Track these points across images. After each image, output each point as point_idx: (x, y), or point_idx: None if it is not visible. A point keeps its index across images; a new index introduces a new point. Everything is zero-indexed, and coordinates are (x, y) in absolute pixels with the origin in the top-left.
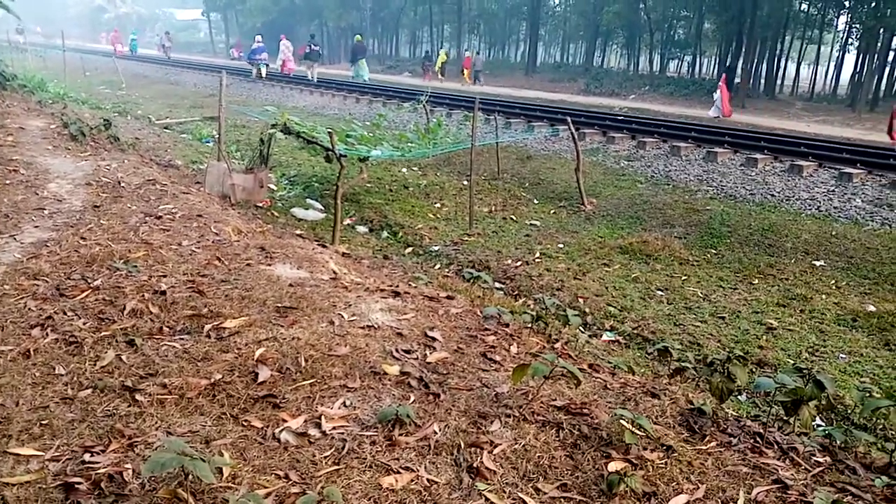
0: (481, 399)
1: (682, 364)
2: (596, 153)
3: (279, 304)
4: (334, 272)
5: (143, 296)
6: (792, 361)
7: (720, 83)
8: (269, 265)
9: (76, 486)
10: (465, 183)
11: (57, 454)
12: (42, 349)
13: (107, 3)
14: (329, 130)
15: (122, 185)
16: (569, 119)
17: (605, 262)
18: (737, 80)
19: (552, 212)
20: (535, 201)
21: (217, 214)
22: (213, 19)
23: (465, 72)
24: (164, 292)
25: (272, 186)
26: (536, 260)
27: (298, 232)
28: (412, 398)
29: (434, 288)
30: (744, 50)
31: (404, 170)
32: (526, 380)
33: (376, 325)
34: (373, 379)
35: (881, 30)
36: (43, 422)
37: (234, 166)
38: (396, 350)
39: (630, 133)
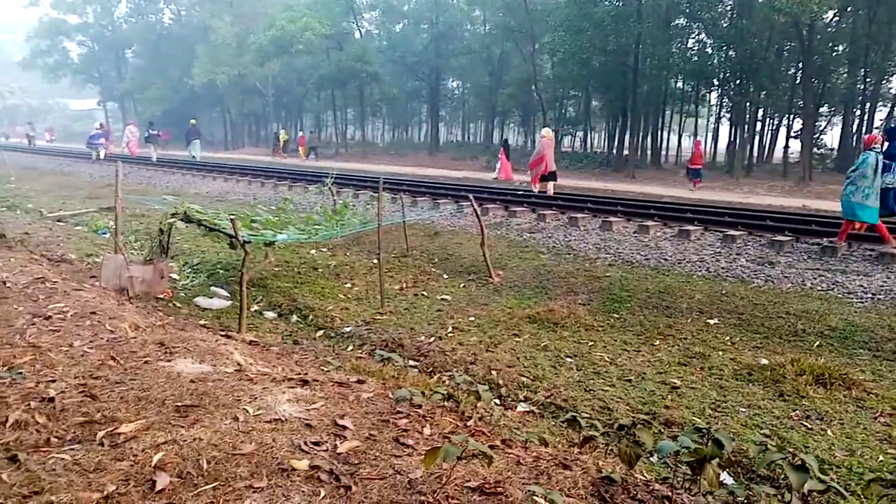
0: (394, 487)
1: (591, 433)
2: (500, 227)
3: (179, 403)
4: (239, 364)
5: (28, 405)
6: (697, 419)
7: (500, 153)
8: (169, 361)
9: None
10: (375, 261)
11: None
12: None
13: None
14: (232, 217)
15: (8, 285)
16: (471, 196)
17: (515, 332)
18: (625, 152)
19: (462, 286)
20: (445, 276)
21: (113, 310)
22: (111, 108)
23: (301, 149)
24: (52, 399)
25: (174, 276)
26: (449, 335)
27: (203, 322)
28: (322, 493)
29: (345, 372)
30: (629, 124)
31: (313, 251)
32: (439, 462)
33: (284, 418)
34: (281, 476)
35: (747, 104)
36: None
37: (132, 257)
38: (305, 443)
39: (530, 206)
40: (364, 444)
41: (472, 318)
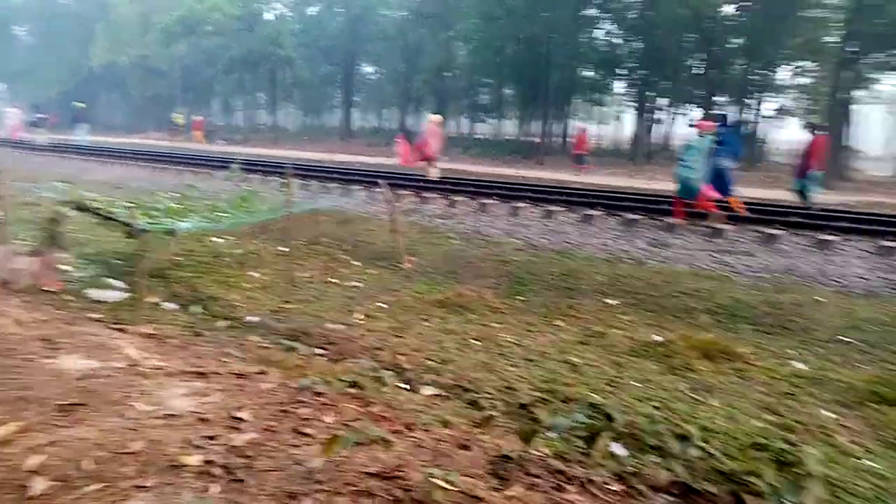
0: (291, 478)
1: (491, 412)
2: (412, 213)
3: (63, 402)
4: (132, 358)
5: None
6: (594, 394)
7: (397, 139)
8: (54, 358)
9: None
10: (284, 249)
11: None
12: None
13: None
14: (129, 205)
15: None
16: (383, 182)
17: (424, 317)
18: (536, 139)
19: (373, 272)
20: (356, 263)
21: None
22: (0, 90)
23: (197, 132)
24: None
25: (67, 268)
26: (359, 321)
27: (95, 316)
28: (215, 488)
29: (247, 363)
30: (540, 112)
31: (219, 240)
32: (340, 450)
33: (177, 413)
34: (170, 474)
35: (652, 93)
36: None
37: (18, 248)
38: (199, 438)
39: (442, 192)
40: (262, 436)
41: (381, 305)
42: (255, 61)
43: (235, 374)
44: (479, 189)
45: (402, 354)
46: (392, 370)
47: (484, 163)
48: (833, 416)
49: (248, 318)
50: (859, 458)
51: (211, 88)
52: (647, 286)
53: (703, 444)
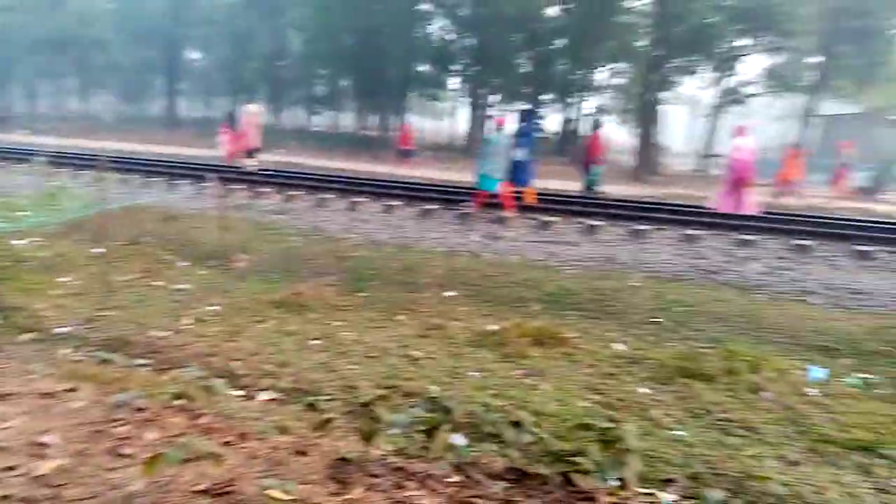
0: None
1: (330, 414)
2: (245, 209)
3: None
4: None
5: None
6: (434, 387)
7: (222, 129)
8: None
9: None
10: (100, 250)
11: None
12: None
13: None
14: None
15: None
16: (212, 175)
17: (260, 318)
18: (374, 133)
19: (203, 273)
20: (184, 263)
21: None
22: None
23: None
24: None
25: None
26: (188, 326)
27: None
28: None
29: (54, 381)
30: (378, 106)
31: (20, 242)
32: (163, 469)
33: None
34: None
35: (485, 89)
36: None
37: None
38: None
39: (278, 187)
40: (72, 461)
41: (212, 308)
42: (64, 42)
43: (41, 393)
44: (315, 183)
45: (235, 360)
46: (225, 377)
47: (321, 156)
48: (648, 392)
49: (58, 330)
50: (671, 430)
51: (10, 72)
52: (483, 277)
53: (536, 429)
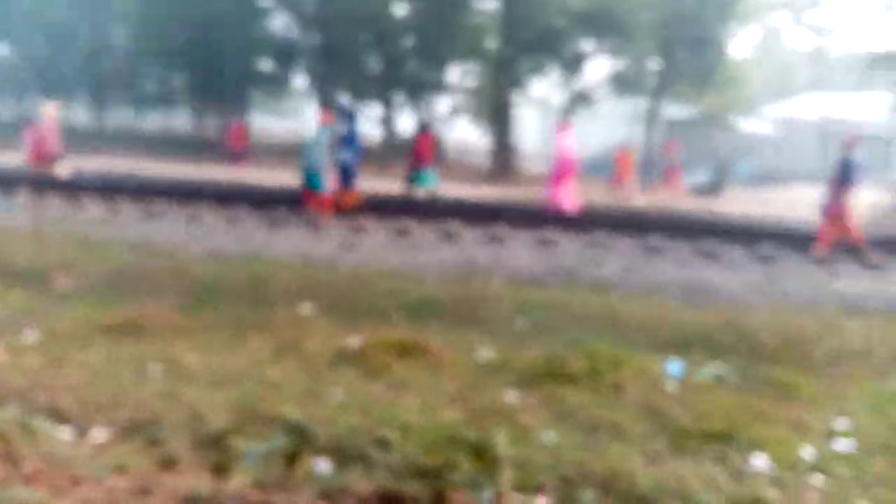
0: None
1: (176, 449)
2: (65, 221)
3: None
4: None
5: None
6: (294, 410)
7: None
8: None
9: None
10: None
11: None
12: None
13: None
14: None
15: None
16: (25, 184)
17: (89, 345)
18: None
19: (16, 296)
20: None
21: None
22: None
23: None
24: None
25: None
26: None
27: None
28: None
29: None
30: (217, 105)
31: None
32: None
33: None
34: None
35: (334, 89)
36: None
37: None
38: None
39: (102, 196)
40: None
41: (31, 336)
42: None
43: None
44: (146, 191)
45: (61, 394)
46: (48, 416)
47: (152, 160)
48: (515, 398)
49: None
50: (539, 435)
51: None
52: (341, 289)
53: (404, 447)
